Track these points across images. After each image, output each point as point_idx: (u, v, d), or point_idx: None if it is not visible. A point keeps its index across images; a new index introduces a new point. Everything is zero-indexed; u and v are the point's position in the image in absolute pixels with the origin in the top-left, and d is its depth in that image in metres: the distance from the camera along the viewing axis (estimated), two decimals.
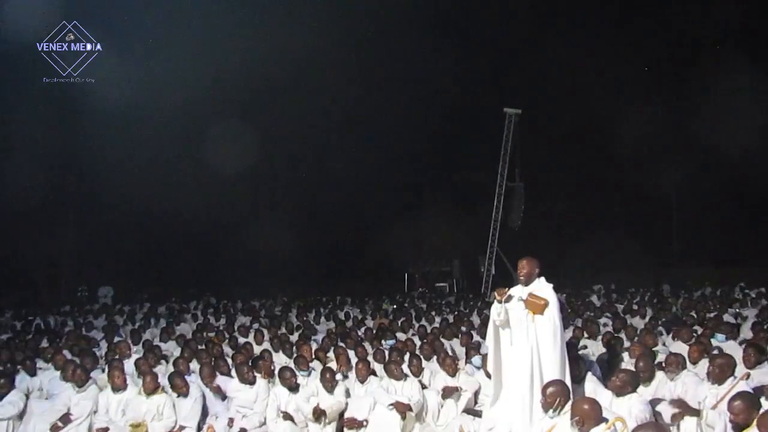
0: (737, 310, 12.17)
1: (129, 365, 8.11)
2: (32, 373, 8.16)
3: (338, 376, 7.33)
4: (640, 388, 5.72)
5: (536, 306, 5.68)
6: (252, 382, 7.20)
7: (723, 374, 5.45)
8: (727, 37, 24.32)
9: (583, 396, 5.11)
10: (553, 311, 5.71)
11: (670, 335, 9.07)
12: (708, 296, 15.53)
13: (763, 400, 4.71)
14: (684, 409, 5.24)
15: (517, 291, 5.93)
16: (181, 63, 21.72)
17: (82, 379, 7.04)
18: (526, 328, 5.74)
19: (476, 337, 9.55)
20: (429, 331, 10.71)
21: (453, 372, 7.32)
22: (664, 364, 6.21)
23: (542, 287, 5.85)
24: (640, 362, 6.19)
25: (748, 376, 5.62)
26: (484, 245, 25.26)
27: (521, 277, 5.97)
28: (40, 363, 8.71)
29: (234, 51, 23.08)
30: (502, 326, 5.90)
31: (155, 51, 21.58)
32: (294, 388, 7.00)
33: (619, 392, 5.38)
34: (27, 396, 7.29)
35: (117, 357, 8.07)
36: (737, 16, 22.97)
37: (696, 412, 5.15)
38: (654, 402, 5.76)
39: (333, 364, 7.88)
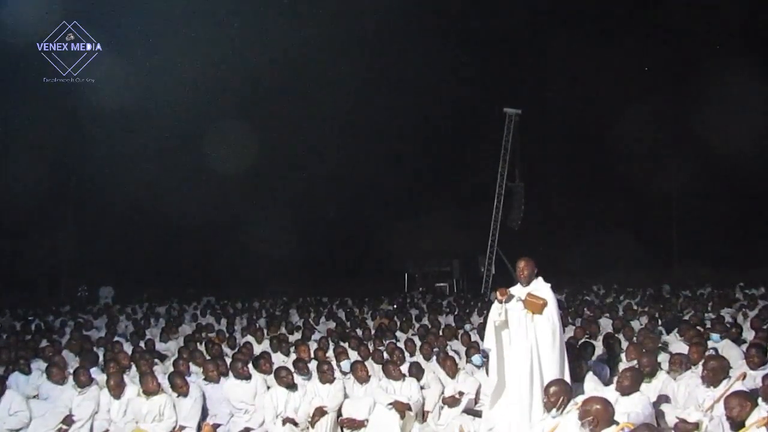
0: (743, 310, 12.17)
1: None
2: (27, 373, 8.15)
3: (337, 373, 7.34)
4: (642, 385, 5.75)
5: (535, 306, 5.71)
6: (247, 377, 7.22)
7: (716, 377, 5.47)
8: (728, 37, 24.30)
9: (591, 395, 5.00)
10: (551, 311, 5.74)
11: (671, 335, 9.08)
12: (707, 296, 15.51)
13: (759, 401, 4.69)
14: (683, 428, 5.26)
15: (516, 291, 5.96)
16: (181, 63, 21.75)
17: (83, 380, 7.05)
18: (525, 328, 5.76)
19: (475, 337, 9.55)
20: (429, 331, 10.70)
21: (453, 374, 7.33)
22: (668, 365, 6.21)
23: (540, 287, 5.88)
24: (644, 359, 6.19)
25: (744, 376, 5.63)
26: (484, 245, 25.23)
27: (521, 278, 6.00)
28: (40, 364, 8.71)
29: (234, 51, 23.10)
30: (502, 327, 5.92)
31: (155, 51, 21.58)
32: (291, 386, 6.99)
33: (625, 392, 5.39)
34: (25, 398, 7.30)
35: (115, 365, 7.99)
36: (737, 16, 22.96)
37: (695, 426, 5.17)
38: (657, 401, 5.78)
39: (332, 364, 7.88)
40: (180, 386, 6.92)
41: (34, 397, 7.70)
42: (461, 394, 7.05)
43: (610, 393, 5.37)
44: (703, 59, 23.98)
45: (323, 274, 26.71)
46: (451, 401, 6.99)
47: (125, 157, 24.65)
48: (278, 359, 8.64)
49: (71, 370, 7.51)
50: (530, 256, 6.11)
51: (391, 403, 6.67)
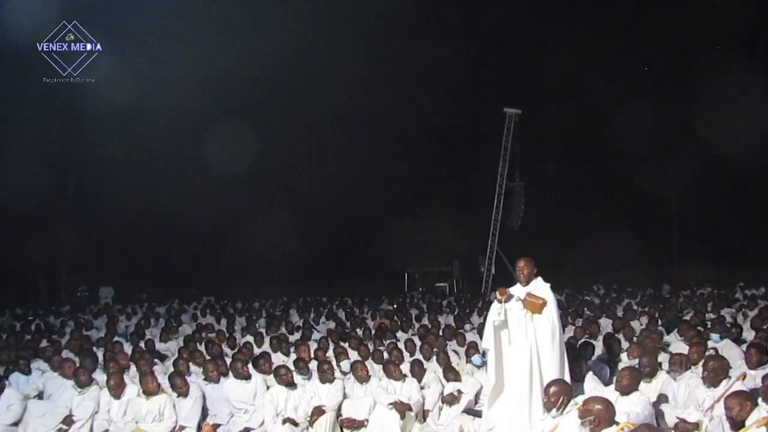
0: (743, 310, 12.17)
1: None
2: (27, 373, 8.16)
3: (337, 373, 7.35)
4: (642, 385, 5.75)
5: (535, 305, 5.71)
6: (247, 377, 7.22)
7: (717, 376, 5.47)
8: (727, 37, 24.29)
9: (592, 395, 5.00)
10: (551, 310, 5.74)
11: (671, 335, 9.08)
12: (707, 296, 15.50)
13: (759, 401, 4.69)
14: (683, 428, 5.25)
15: (516, 291, 5.96)
16: (181, 63, 21.73)
17: (83, 380, 7.06)
18: (525, 328, 5.76)
19: (473, 338, 9.55)
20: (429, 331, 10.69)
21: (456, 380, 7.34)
22: (667, 365, 6.21)
23: (540, 287, 5.89)
24: (644, 358, 6.20)
25: (744, 376, 5.63)
26: (484, 245, 25.24)
27: (521, 278, 6.00)
28: (40, 364, 8.72)
29: (234, 51, 23.08)
30: (501, 326, 5.91)
31: (155, 51, 21.60)
32: (291, 384, 7.00)
33: (624, 391, 5.40)
34: (24, 397, 7.31)
35: (115, 365, 7.98)
36: (737, 16, 22.95)
37: (695, 426, 5.16)
38: (657, 401, 5.78)
39: (333, 364, 7.88)
40: (180, 386, 6.93)
41: (35, 396, 7.70)
42: (459, 392, 7.05)
43: (610, 393, 5.38)
44: (703, 59, 23.95)
45: (323, 274, 26.69)
46: (450, 399, 6.99)
47: (125, 157, 24.64)
48: (278, 359, 8.63)
49: None
50: (530, 256, 6.11)
51: (391, 403, 6.67)
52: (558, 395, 5.00)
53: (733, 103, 22.16)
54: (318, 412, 6.77)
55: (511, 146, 24.55)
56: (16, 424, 6.97)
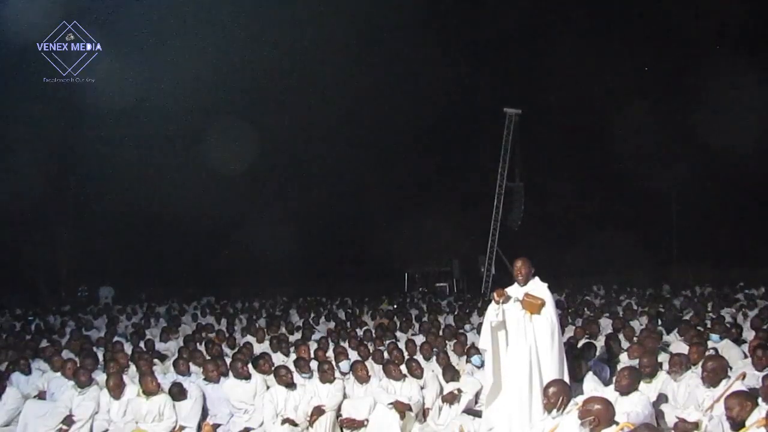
0: (743, 310, 12.17)
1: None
2: (27, 373, 8.17)
3: (337, 373, 7.35)
4: (642, 385, 5.74)
5: (533, 306, 5.71)
6: (247, 377, 7.22)
7: (716, 376, 5.47)
8: (727, 37, 24.30)
9: (592, 395, 4.98)
10: (550, 311, 5.75)
11: (671, 335, 9.08)
12: (707, 296, 15.50)
13: (759, 401, 4.68)
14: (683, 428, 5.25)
15: (514, 291, 5.96)
16: (181, 63, 21.71)
17: (83, 381, 7.06)
18: (524, 329, 5.76)
19: (471, 339, 9.54)
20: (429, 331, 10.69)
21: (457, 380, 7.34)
22: (667, 365, 6.21)
23: (538, 287, 5.89)
24: (644, 359, 6.20)
25: (744, 376, 5.63)
26: (484, 245, 25.25)
27: (519, 278, 6.01)
28: (40, 364, 8.72)
29: (234, 51, 23.07)
30: (499, 327, 5.92)
31: (155, 51, 21.56)
32: (291, 385, 7.01)
33: (624, 391, 5.40)
34: (24, 397, 7.32)
35: (115, 365, 7.97)
36: (737, 16, 22.94)
37: (695, 426, 5.17)
38: (657, 401, 5.78)
39: (333, 364, 7.88)
40: (179, 395, 6.95)
41: (36, 396, 7.70)
42: (459, 390, 7.05)
43: (610, 393, 5.38)
44: (702, 59, 23.95)
45: (323, 274, 26.70)
46: (450, 398, 7.00)
47: (125, 157, 24.63)
48: (278, 359, 8.64)
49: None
50: (529, 256, 6.12)
51: (391, 403, 6.68)
52: (557, 395, 5.00)
53: (733, 103, 22.15)
54: (318, 412, 6.77)
55: (511, 146, 24.57)
56: (8, 424, 6.99)
